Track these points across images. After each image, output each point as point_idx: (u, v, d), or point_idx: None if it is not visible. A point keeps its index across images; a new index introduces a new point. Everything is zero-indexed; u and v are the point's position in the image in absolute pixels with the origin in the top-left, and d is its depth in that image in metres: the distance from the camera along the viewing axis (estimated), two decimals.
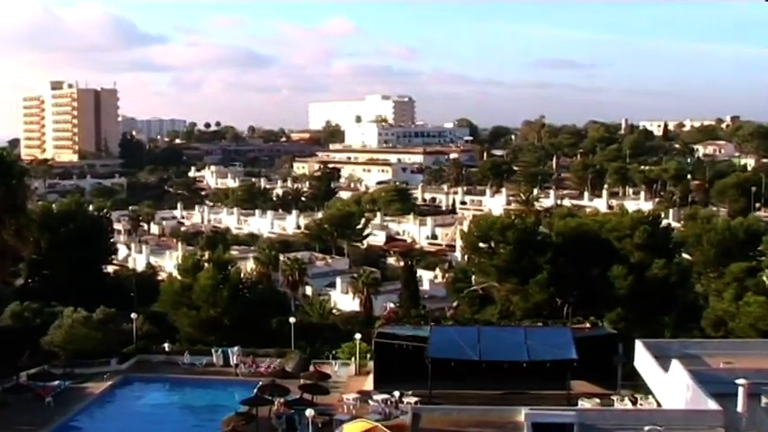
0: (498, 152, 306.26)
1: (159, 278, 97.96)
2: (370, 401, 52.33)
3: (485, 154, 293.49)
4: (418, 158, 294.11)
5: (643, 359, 50.34)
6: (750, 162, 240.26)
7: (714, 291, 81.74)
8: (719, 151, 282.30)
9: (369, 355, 61.38)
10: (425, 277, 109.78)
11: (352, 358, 63.06)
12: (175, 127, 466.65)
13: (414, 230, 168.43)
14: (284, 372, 60.96)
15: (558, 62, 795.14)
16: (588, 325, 60.33)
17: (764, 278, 78.82)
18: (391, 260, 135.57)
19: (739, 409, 38.82)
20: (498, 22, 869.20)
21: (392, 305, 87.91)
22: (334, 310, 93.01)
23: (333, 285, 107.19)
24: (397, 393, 52.90)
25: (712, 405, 39.17)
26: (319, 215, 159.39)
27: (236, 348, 65.04)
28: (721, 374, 44.01)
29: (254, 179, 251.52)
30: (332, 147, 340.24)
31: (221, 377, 62.79)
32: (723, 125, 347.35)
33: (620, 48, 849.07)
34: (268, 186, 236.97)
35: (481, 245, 79.23)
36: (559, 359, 54.79)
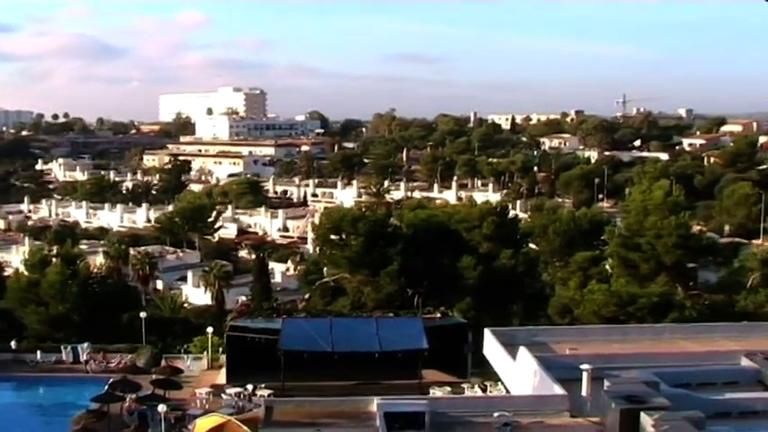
0: (349, 145, 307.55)
1: (5, 274, 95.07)
2: (222, 395, 51.89)
3: (336, 146, 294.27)
4: (270, 151, 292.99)
5: (492, 347, 51.28)
6: (593, 155, 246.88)
7: (560, 279, 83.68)
8: (564, 144, 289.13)
9: (221, 349, 60.79)
10: (277, 270, 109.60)
11: (205, 352, 62.37)
12: (21, 119, 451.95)
13: (265, 223, 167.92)
14: (136, 367, 59.77)
15: (408, 56, 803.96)
16: (438, 315, 61.04)
17: (607, 266, 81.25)
18: (243, 253, 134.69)
19: (583, 392, 39.99)
20: (350, 15, 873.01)
21: (244, 298, 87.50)
22: (185, 304, 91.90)
23: (184, 279, 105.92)
24: (250, 387, 52.59)
25: (558, 390, 40.19)
26: (170, 208, 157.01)
27: (85, 345, 63.50)
28: (567, 360, 45.19)
29: (103, 172, 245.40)
30: (183, 139, 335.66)
31: (71, 374, 61.13)
32: (568, 119, 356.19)
33: (469, 42, 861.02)
34: (118, 179, 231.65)
35: (332, 237, 79.43)
36: (411, 349, 55.38)
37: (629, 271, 74.12)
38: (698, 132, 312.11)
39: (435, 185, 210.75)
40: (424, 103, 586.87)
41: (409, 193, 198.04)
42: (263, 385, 53.02)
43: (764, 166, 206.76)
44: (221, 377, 57.25)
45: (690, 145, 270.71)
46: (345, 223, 77.99)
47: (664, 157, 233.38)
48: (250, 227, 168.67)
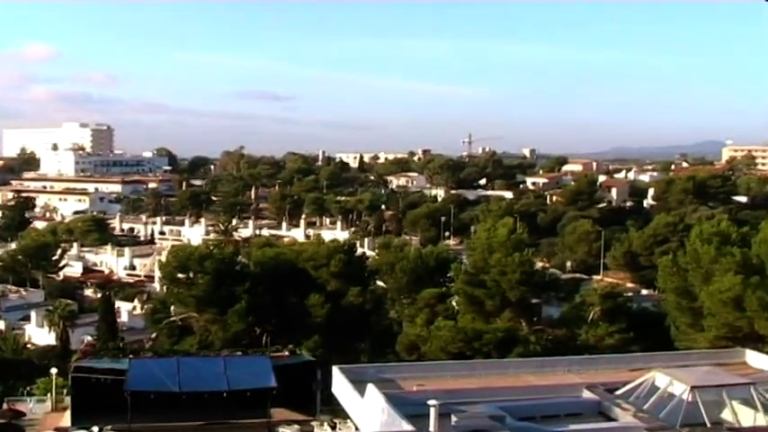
0: (197, 182, 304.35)
1: None
2: None
3: (184, 184, 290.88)
4: (116, 188, 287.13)
5: (340, 385, 51.37)
6: (440, 193, 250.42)
7: (407, 316, 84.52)
8: (412, 183, 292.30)
9: (66, 391, 59.37)
10: (124, 309, 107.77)
11: (48, 394, 60.82)
12: None
13: (111, 261, 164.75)
14: None
15: (258, 93, 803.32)
16: (287, 353, 60.98)
17: (453, 303, 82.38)
18: (88, 292, 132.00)
19: (431, 428, 40.38)
20: (200, 51, 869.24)
21: (90, 338, 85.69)
22: (28, 345, 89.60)
23: (27, 319, 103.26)
24: (95, 429, 51.53)
25: (406, 426, 40.49)
26: (13, 246, 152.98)
27: None
28: (414, 396, 45.57)
29: None
30: (26, 175, 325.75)
31: None
32: (415, 158, 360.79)
33: (319, 81, 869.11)
34: None
35: (179, 275, 78.43)
36: (259, 387, 55.15)
37: (474, 307, 75.22)
38: (541, 171, 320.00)
39: (284, 223, 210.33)
40: (272, 141, 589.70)
41: (257, 231, 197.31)
42: (109, 427, 52.05)
43: (604, 204, 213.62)
44: (66, 419, 55.84)
45: (533, 184, 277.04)
46: (192, 261, 77.12)
47: (508, 195, 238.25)
48: (96, 265, 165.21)
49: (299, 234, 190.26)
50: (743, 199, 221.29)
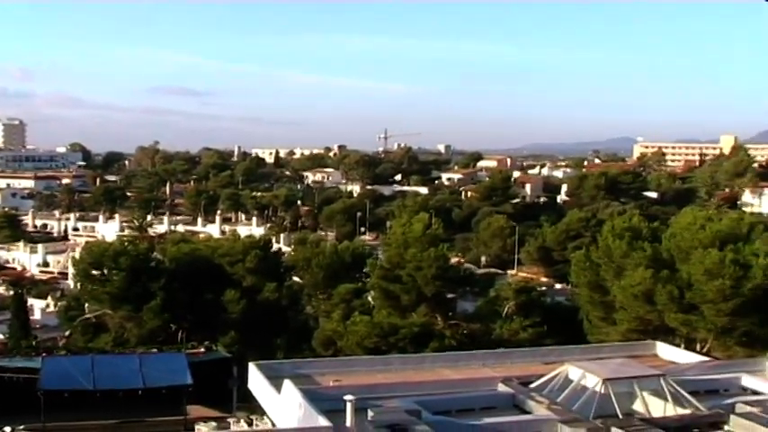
0: (112, 178, 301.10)
1: None
2: None
3: (98, 180, 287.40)
4: (29, 183, 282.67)
5: (257, 381, 51.23)
6: (355, 189, 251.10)
7: (323, 312, 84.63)
8: (328, 178, 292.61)
9: None
10: (37, 306, 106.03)
11: None
12: None
13: (24, 258, 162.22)
14: None
15: (174, 89, 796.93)
16: (203, 349, 60.72)
17: (369, 298, 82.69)
18: (0, 289, 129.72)
19: (347, 423, 40.51)
20: (117, 46, 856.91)
21: (1, 336, 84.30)
22: None
23: None
24: (8, 429, 50.76)
25: (323, 422, 40.55)
26: None
27: None
28: (331, 392, 45.62)
29: None
30: None
31: None
32: (331, 154, 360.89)
33: (235, 76, 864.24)
34: None
35: (94, 272, 77.42)
36: (175, 385, 54.82)
37: (390, 302, 75.53)
38: (456, 167, 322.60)
39: (199, 219, 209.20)
40: (189, 137, 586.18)
41: (172, 227, 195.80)
42: (21, 427, 51.18)
43: (518, 200, 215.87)
44: None
45: (448, 179, 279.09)
46: (107, 258, 76.23)
47: (423, 191, 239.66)
48: (8, 262, 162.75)
49: (214, 230, 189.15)
50: (653, 195, 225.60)
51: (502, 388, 46.48)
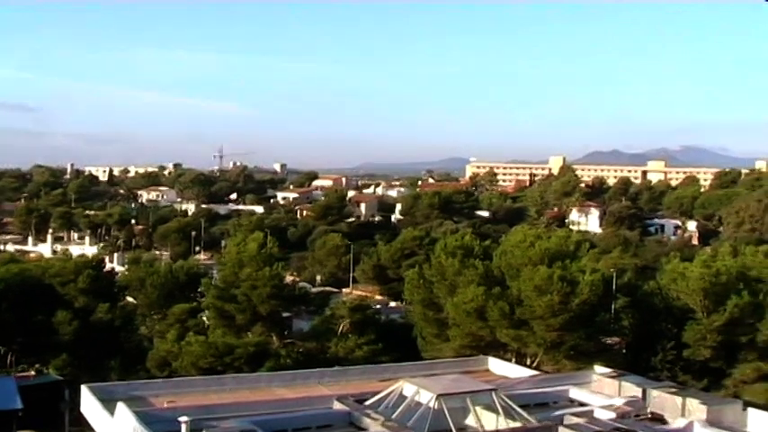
0: None
1: None
2: None
3: None
4: None
5: (89, 404, 50.31)
6: (191, 207, 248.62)
7: (158, 332, 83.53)
8: (163, 197, 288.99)
9: None
10: None
11: None
12: None
13: None
14: None
15: (7, 105, 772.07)
16: (33, 373, 59.38)
17: (204, 318, 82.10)
18: None
19: None
20: None
21: None
22: None
23: None
24: None
25: None
26: None
27: None
28: (165, 414, 45.20)
29: None
30: None
31: None
32: (166, 172, 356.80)
33: (69, 92, 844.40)
34: None
35: None
36: (3, 410, 53.43)
37: (225, 322, 75.15)
38: (291, 186, 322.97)
39: (30, 238, 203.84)
40: (22, 154, 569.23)
41: (2, 247, 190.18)
42: None
43: (353, 219, 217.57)
44: None
45: (284, 198, 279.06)
46: None
47: (259, 210, 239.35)
48: None
49: (45, 249, 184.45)
50: (485, 213, 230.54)
51: (337, 406, 46.89)
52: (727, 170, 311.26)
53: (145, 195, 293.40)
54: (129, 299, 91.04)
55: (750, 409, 47.84)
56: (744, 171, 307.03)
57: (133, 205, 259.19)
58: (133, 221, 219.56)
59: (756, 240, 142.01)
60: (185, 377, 61.68)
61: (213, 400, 50.12)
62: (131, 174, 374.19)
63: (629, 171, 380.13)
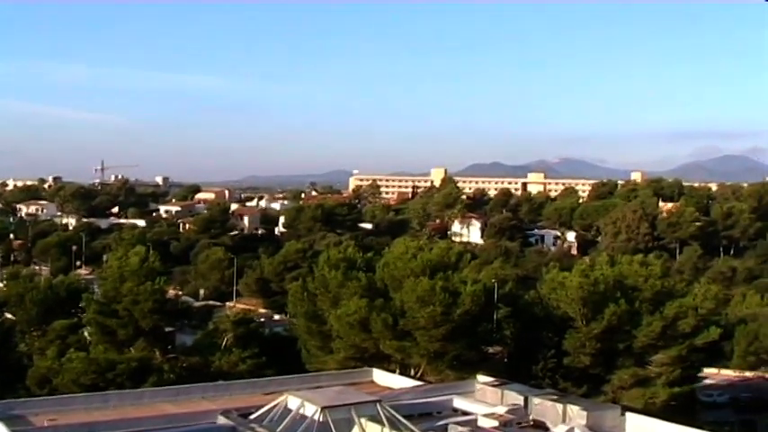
0: None
1: None
2: None
3: None
4: None
5: None
6: (71, 221, 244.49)
7: (38, 349, 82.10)
8: (42, 211, 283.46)
9: None
10: None
11: None
12: None
13: None
14: None
15: None
16: None
17: (86, 334, 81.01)
18: None
19: None
20: None
21: None
22: None
23: None
24: None
25: None
26: None
27: None
28: None
29: None
30: None
31: None
32: (46, 185, 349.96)
33: None
34: None
35: None
36: None
37: (107, 337, 74.29)
38: (174, 200, 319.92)
39: None
40: None
41: None
42: None
43: (236, 232, 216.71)
44: None
45: (166, 212, 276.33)
46: None
47: (141, 223, 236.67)
48: None
49: None
50: (369, 225, 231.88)
51: (222, 420, 46.85)
52: (604, 181, 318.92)
53: (24, 209, 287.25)
54: (8, 315, 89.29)
55: (628, 414, 49.39)
56: (620, 182, 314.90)
57: (11, 219, 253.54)
58: (11, 236, 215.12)
59: (632, 249, 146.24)
60: (67, 394, 60.80)
61: (96, 417, 49.50)
62: (10, 187, 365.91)
63: (510, 183, 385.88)
